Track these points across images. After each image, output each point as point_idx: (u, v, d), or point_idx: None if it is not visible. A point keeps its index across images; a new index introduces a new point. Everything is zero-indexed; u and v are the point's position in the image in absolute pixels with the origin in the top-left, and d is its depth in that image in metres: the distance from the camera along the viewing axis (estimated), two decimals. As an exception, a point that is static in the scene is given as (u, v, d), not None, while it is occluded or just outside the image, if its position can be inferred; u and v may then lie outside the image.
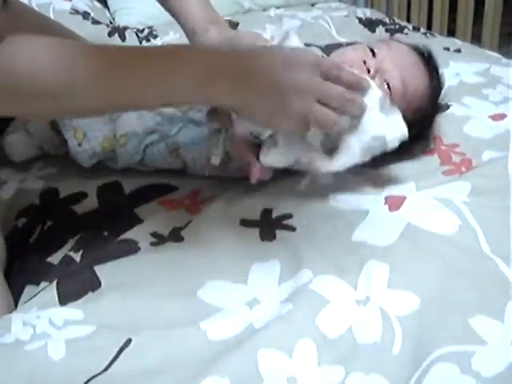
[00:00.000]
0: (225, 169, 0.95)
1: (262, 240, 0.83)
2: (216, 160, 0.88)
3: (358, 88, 0.78)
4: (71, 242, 0.87)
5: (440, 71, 1.05)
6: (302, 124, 0.74)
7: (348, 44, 1.12)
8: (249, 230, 0.85)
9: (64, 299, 0.75)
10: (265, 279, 0.75)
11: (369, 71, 0.95)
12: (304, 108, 0.73)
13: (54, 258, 0.85)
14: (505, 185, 0.90)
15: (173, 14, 1.04)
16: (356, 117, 0.78)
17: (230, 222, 0.87)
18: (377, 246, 0.77)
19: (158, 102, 0.78)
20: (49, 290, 0.77)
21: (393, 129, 0.81)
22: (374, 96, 0.79)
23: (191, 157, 0.98)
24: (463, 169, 0.96)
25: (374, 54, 0.98)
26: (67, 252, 0.86)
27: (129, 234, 0.86)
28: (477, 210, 0.83)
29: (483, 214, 0.82)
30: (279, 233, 0.84)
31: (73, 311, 0.73)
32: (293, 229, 0.85)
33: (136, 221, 0.90)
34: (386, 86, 0.95)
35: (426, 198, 0.87)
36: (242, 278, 0.76)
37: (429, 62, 1.04)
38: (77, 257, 0.84)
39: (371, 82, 0.81)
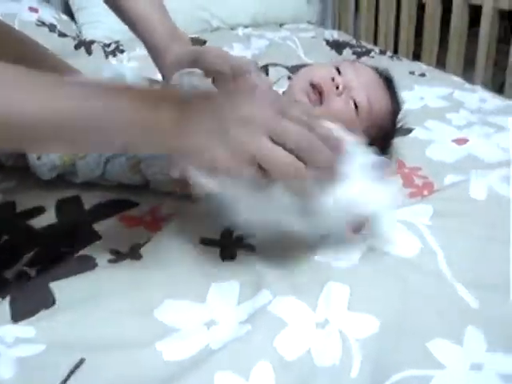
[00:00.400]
0: (185, 185, 0.93)
1: (223, 260, 0.82)
2: (175, 172, 0.79)
3: (337, 149, 0.66)
4: (27, 258, 0.85)
5: (398, 94, 1.08)
6: (251, 164, 0.63)
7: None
8: (209, 249, 0.84)
9: (16, 316, 0.73)
10: (223, 299, 0.74)
11: (337, 88, 0.98)
12: (249, 143, 0.62)
13: (9, 273, 0.82)
14: (466, 209, 0.91)
15: (133, 29, 1.05)
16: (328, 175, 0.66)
17: (190, 240, 0.86)
18: (338, 268, 0.76)
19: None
20: (1, 306, 0.75)
21: (379, 199, 0.72)
22: (357, 159, 0.69)
23: (151, 172, 0.97)
24: (425, 192, 0.97)
25: (339, 72, 1.01)
26: (22, 267, 0.83)
27: (86, 251, 0.84)
28: (438, 233, 0.83)
29: (444, 238, 0.82)
30: (240, 252, 0.83)
31: (24, 329, 0.70)
32: (253, 249, 0.84)
33: (95, 237, 0.88)
34: (353, 104, 0.98)
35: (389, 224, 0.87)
36: (200, 297, 0.74)
37: (389, 84, 1.07)
38: (32, 272, 0.82)
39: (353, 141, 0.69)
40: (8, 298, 0.75)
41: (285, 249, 0.83)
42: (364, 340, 0.66)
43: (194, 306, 0.73)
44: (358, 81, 1.01)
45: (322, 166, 0.64)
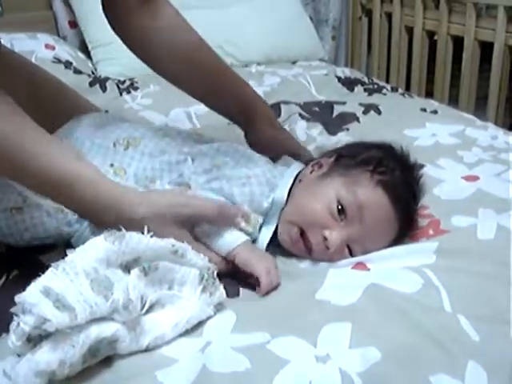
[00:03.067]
0: None
1: (227, 296, 0.81)
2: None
3: None
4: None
5: (414, 214, 0.96)
6: None
7: (316, 160, 1.01)
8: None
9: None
10: (217, 327, 0.74)
11: (327, 248, 0.88)
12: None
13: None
14: (472, 247, 0.90)
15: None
16: None
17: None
18: (339, 305, 0.76)
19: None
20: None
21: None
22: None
23: None
24: (431, 231, 0.96)
25: (342, 209, 0.88)
26: None
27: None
28: (441, 270, 0.83)
29: (447, 275, 0.82)
30: (243, 291, 0.84)
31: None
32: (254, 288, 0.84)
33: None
34: (348, 250, 0.89)
35: (391, 262, 0.87)
36: (197, 332, 0.74)
37: (407, 206, 0.93)
38: None
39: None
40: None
41: (287, 287, 0.84)
42: (365, 371, 0.65)
43: (191, 339, 0.73)
44: (363, 231, 0.88)
45: None
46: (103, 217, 0.83)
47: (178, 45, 1.11)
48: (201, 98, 1.19)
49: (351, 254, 0.89)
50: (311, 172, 0.97)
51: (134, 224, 0.78)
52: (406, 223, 0.92)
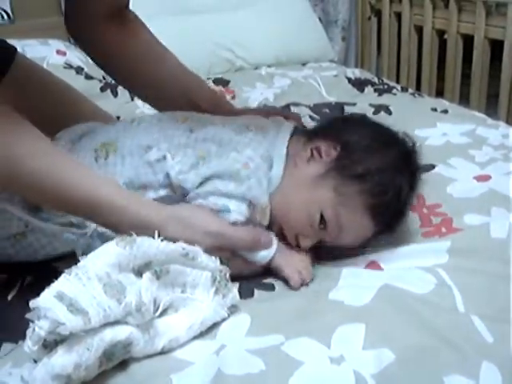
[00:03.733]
0: None
1: (241, 297, 0.82)
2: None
3: None
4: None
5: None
6: None
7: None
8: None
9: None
10: (232, 330, 0.74)
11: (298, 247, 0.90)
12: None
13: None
14: (485, 247, 0.90)
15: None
16: None
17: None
18: (353, 306, 0.76)
19: None
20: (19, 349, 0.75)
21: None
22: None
23: None
24: (443, 229, 0.96)
25: (323, 221, 0.87)
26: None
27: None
28: (454, 270, 0.83)
29: (460, 275, 0.82)
30: (258, 292, 0.84)
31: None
32: (273, 288, 0.85)
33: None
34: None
35: (404, 261, 0.88)
36: (211, 335, 0.75)
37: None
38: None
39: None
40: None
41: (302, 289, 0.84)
42: (379, 373, 0.65)
43: (205, 342, 0.73)
44: (341, 233, 0.88)
45: None
46: None
47: (145, 57, 1.11)
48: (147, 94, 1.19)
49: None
50: (308, 160, 0.91)
51: None
52: (389, 230, 0.92)
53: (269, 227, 0.91)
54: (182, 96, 1.11)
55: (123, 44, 1.09)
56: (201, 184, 0.89)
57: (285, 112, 1.09)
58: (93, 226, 0.90)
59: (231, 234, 0.85)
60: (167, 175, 0.91)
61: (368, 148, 0.91)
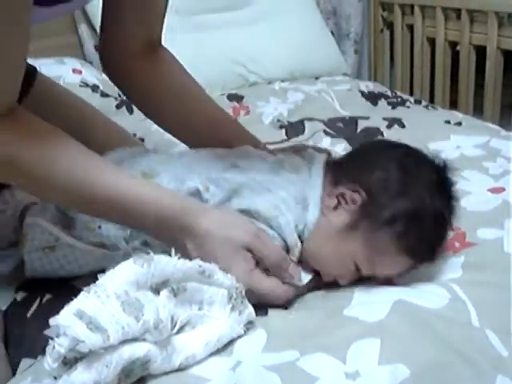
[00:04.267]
0: None
1: (256, 315, 0.82)
2: None
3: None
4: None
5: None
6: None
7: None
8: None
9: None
10: (248, 346, 0.75)
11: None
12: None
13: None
14: (499, 261, 0.90)
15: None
16: None
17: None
18: (368, 322, 0.76)
19: None
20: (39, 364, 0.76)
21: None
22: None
23: None
24: (456, 244, 0.96)
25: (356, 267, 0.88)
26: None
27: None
28: (468, 284, 0.83)
29: (474, 289, 0.82)
30: (271, 310, 0.84)
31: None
32: (285, 307, 0.86)
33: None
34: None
35: (417, 277, 0.88)
36: (228, 351, 0.75)
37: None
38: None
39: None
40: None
41: (315, 305, 0.85)
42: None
43: (222, 359, 0.74)
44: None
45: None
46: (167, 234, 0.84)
47: (179, 96, 1.13)
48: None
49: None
50: (335, 208, 0.89)
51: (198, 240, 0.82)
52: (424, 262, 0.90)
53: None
54: (212, 134, 1.12)
55: (156, 82, 1.10)
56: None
57: (312, 147, 1.09)
58: (124, 246, 0.92)
59: (265, 237, 0.85)
60: None
61: (393, 186, 0.88)
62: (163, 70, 1.12)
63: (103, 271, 0.75)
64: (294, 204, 0.89)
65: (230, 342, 0.76)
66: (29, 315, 0.90)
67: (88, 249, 0.93)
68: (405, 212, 0.85)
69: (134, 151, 1.05)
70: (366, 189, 0.88)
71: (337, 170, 0.95)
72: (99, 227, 0.94)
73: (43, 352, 0.71)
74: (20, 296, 0.94)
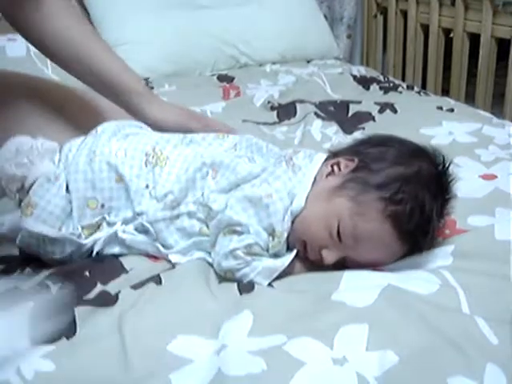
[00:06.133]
0: None
1: (241, 293, 0.82)
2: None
3: None
4: (47, 272, 0.87)
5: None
6: None
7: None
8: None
9: (37, 337, 0.72)
10: (234, 329, 0.73)
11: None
12: None
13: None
14: (490, 249, 0.89)
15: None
16: None
17: (209, 271, 0.88)
18: (356, 307, 0.75)
19: None
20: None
21: None
22: None
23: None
24: (447, 231, 0.95)
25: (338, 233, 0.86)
26: (43, 279, 0.84)
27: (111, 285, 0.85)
28: (458, 271, 0.82)
29: (464, 276, 0.81)
30: (258, 286, 0.83)
31: (44, 363, 0.69)
32: (271, 286, 0.85)
33: (122, 271, 0.88)
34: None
35: (407, 263, 0.87)
36: (213, 334, 0.73)
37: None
38: (54, 288, 0.82)
39: None
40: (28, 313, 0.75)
41: (303, 287, 0.84)
42: (382, 376, 0.64)
43: (206, 340, 0.72)
44: (359, 256, 0.87)
45: None
46: None
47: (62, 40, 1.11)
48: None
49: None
50: (327, 175, 0.92)
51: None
52: (416, 247, 0.88)
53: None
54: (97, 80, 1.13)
55: (40, 28, 1.09)
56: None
57: (221, 125, 1.14)
58: None
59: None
60: (202, 194, 0.92)
61: (389, 158, 0.89)
62: (44, 14, 1.09)
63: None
64: (285, 197, 0.89)
65: (217, 324, 0.74)
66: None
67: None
68: (398, 179, 0.85)
69: (140, 125, 1.07)
70: (362, 158, 0.90)
71: (337, 153, 0.97)
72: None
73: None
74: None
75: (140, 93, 1.12)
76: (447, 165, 0.92)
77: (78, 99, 1.24)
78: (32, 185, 0.91)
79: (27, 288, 0.82)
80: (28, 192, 0.91)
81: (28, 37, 1.13)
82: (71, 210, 0.91)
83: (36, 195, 0.90)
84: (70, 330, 0.74)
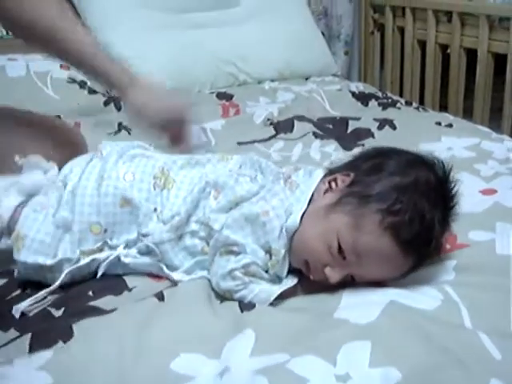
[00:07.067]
0: None
1: (242, 311, 0.81)
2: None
3: None
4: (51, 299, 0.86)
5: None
6: None
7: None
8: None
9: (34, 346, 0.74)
10: (237, 349, 0.73)
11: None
12: None
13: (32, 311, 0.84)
14: (491, 263, 0.89)
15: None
16: None
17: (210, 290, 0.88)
18: (358, 324, 0.75)
19: None
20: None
21: None
22: None
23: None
24: (448, 246, 0.95)
25: (339, 247, 0.85)
26: (47, 307, 0.84)
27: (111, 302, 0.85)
28: (460, 286, 0.82)
29: (466, 291, 0.81)
30: (259, 306, 0.83)
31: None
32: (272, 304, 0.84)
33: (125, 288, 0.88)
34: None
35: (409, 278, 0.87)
36: (216, 353, 0.73)
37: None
38: (57, 313, 0.83)
39: None
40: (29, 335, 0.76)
41: (306, 304, 0.84)
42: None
43: (209, 360, 0.72)
44: (363, 272, 0.86)
45: None
46: None
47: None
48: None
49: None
50: (325, 192, 0.91)
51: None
52: (422, 258, 0.86)
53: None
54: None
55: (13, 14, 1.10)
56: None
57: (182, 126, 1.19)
58: None
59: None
60: (204, 214, 0.92)
61: (385, 170, 0.88)
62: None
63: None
64: (282, 215, 0.89)
65: (220, 343, 0.74)
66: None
67: None
68: (395, 189, 0.85)
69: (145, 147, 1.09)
70: (358, 172, 0.90)
71: (335, 169, 0.97)
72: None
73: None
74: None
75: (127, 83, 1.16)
76: (448, 172, 0.91)
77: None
78: (10, 220, 0.92)
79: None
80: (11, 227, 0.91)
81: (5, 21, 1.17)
82: (63, 233, 0.91)
83: (24, 227, 0.90)
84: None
